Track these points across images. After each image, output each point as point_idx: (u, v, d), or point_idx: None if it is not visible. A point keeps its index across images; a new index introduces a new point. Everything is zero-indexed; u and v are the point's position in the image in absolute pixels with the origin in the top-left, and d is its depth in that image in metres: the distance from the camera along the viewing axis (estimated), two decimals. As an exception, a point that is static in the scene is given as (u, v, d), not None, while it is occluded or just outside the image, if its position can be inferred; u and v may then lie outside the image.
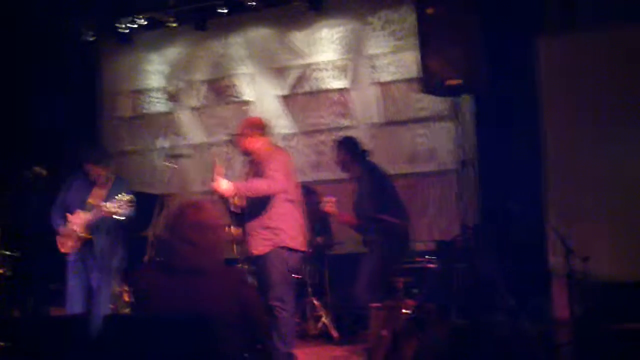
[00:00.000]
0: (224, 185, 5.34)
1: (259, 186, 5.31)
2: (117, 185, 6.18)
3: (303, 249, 5.58)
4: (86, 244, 6.09)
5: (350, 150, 6.60)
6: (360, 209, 6.41)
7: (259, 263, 5.48)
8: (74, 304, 6.09)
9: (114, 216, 5.92)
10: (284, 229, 5.40)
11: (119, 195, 5.90)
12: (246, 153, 5.69)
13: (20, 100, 8.32)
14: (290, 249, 5.42)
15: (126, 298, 6.59)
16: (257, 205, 5.39)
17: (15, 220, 6.47)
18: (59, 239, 6.17)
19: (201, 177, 8.87)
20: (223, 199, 5.48)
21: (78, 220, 6.06)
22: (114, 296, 6.43)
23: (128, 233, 6.34)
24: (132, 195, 5.94)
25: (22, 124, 8.12)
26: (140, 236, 6.64)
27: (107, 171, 6.23)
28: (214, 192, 5.38)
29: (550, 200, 6.52)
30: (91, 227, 6.06)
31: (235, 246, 5.91)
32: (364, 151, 6.67)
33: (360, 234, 6.51)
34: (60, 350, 3.61)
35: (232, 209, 5.53)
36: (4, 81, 8.15)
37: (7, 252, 6.32)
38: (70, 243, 6.11)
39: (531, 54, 6.88)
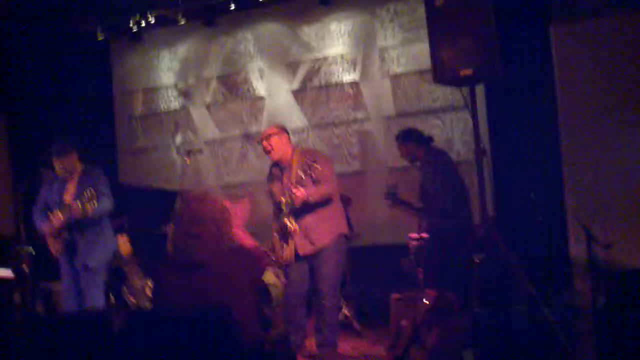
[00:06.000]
0: (302, 192, 5.60)
1: (324, 192, 5.71)
2: (86, 177, 5.99)
3: (350, 233, 6.10)
4: (69, 245, 5.94)
5: (415, 139, 6.69)
6: (427, 195, 6.48)
7: (320, 255, 5.72)
8: (67, 307, 6.02)
9: (83, 213, 5.69)
10: (339, 217, 5.88)
11: (85, 191, 5.66)
12: (279, 157, 5.88)
13: (33, 99, 8.33)
14: (346, 237, 5.92)
15: (148, 292, 6.57)
16: (319, 201, 5.71)
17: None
18: (48, 241, 6.00)
19: (215, 172, 8.90)
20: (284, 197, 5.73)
21: (56, 221, 5.85)
22: (137, 290, 6.42)
23: (111, 230, 6.20)
24: (92, 190, 5.65)
25: (38, 122, 8.12)
26: (160, 231, 6.63)
27: (70, 163, 5.99)
28: (295, 197, 5.59)
29: (568, 188, 6.51)
30: (68, 227, 5.88)
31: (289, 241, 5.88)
32: (429, 137, 6.75)
33: (424, 218, 6.53)
34: (80, 345, 3.63)
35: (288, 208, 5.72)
36: (16, 81, 8.17)
37: (27, 248, 6.27)
38: (56, 245, 5.97)
39: (545, 42, 6.86)
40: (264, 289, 6.31)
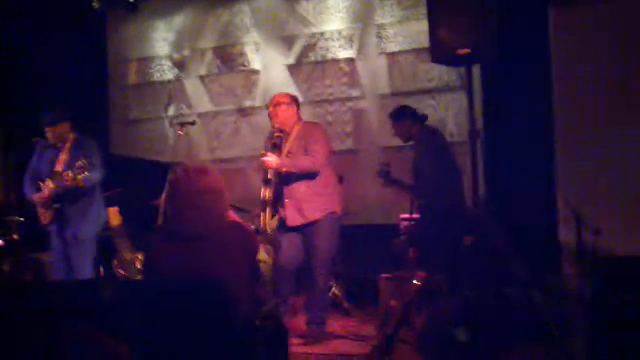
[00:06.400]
0: (273, 160, 5.69)
1: (303, 165, 5.71)
2: (78, 147, 5.96)
3: (342, 213, 5.99)
4: (59, 215, 5.91)
5: (409, 116, 6.62)
6: (420, 174, 6.43)
7: (310, 229, 5.74)
8: (56, 277, 6.01)
9: (75, 183, 5.64)
10: (333, 195, 5.87)
11: (77, 161, 5.65)
12: (281, 125, 5.87)
13: (27, 68, 8.26)
14: (338, 214, 5.86)
15: (138, 265, 6.57)
16: (308, 175, 5.74)
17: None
18: (38, 210, 5.99)
19: (208, 144, 8.87)
20: (264, 169, 5.83)
21: (47, 190, 5.84)
22: (127, 263, 6.41)
23: (101, 201, 6.18)
24: (85, 160, 5.64)
25: (31, 91, 8.06)
26: (152, 204, 6.62)
27: (63, 132, 5.98)
28: (261, 164, 5.72)
29: (560, 172, 6.52)
30: (58, 197, 5.85)
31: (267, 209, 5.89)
32: (423, 115, 6.69)
33: (416, 198, 6.50)
34: (70, 314, 3.63)
35: (268, 176, 5.85)
36: (11, 50, 8.10)
37: (18, 218, 6.24)
38: (46, 215, 5.95)
39: (543, 23, 6.83)
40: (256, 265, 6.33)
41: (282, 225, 5.83)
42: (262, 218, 5.82)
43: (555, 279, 6.07)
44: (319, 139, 5.81)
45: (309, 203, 5.72)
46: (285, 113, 5.85)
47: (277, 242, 5.88)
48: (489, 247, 5.82)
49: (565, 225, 6.01)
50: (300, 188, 5.74)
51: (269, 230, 5.81)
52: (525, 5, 6.79)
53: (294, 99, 5.98)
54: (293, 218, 5.75)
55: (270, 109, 5.88)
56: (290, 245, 5.79)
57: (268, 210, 5.82)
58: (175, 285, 3.33)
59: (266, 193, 5.80)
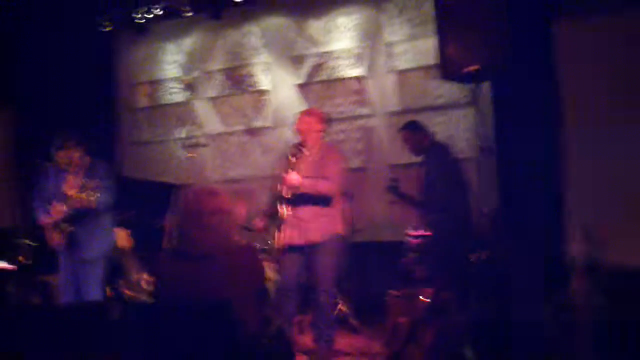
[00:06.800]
0: (296, 178, 5.62)
1: (322, 188, 5.67)
2: (92, 170, 5.95)
3: (347, 233, 6.01)
4: (70, 237, 5.90)
5: (424, 131, 6.67)
6: (430, 190, 6.43)
7: (313, 250, 5.69)
8: (64, 300, 5.98)
9: (87, 205, 5.68)
10: (337, 217, 5.81)
11: (87, 182, 5.67)
12: (307, 146, 5.82)
13: (38, 91, 8.34)
14: (342, 236, 5.82)
15: (144, 285, 6.57)
16: (315, 196, 5.68)
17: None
18: (46, 233, 5.99)
19: (219, 166, 8.89)
20: (281, 186, 5.74)
21: (57, 213, 5.84)
22: (133, 283, 6.42)
23: (110, 224, 6.18)
24: (97, 180, 5.69)
25: (41, 115, 8.13)
26: (161, 225, 6.63)
27: (75, 156, 5.97)
28: (283, 180, 5.65)
29: (569, 186, 6.46)
30: (70, 219, 5.85)
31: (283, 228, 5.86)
32: (432, 133, 6.75)
33: (425, 214, 6.50)
34: (78, 337, 3.62)
35: (286, 194, 5.74)
36: (23, 72, 8.18)
37: (27, 241, 6.27)
38: (56, 237, 5.95)
39: (551, 39, 6.80)
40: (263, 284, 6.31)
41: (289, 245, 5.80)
42: (277, 237, 5.74)
43: (565, 294, 6.00)
44: (338, 163, 5.80)
45: (312, 224, 5.68)
46: (311, 128, 5.83)
47: (280, 261, 5.85)
48: (498, 263, 5.79)
49: (575, 240, 5.95)
50: (304, 208, 5.70)
51: (281, 249, 5.77)
52: (533, 20, 6.76)
53: (325, 121, 5.96)
54: (292, 237, 5.71)
55: (300, 119, 5.88)
56: (293, 264, 5.75)
57: (283, 228, 5.76)
58: (184, 305, 3.33)
59: (284, 211, 5.70)
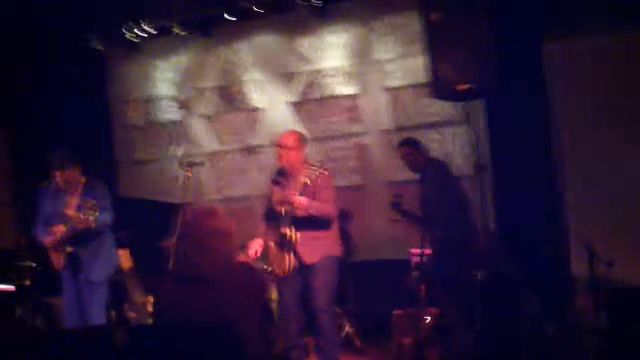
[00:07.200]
0: (304, 200, 5.56)
1: (326, 211, 5.69)
2: (88, 190, 5.97)
3: (343, 255, 5.97)
4: (72, 258, 5.90)
5: (423, 148, 6.74)
6: (431, 208, 6.45)
7: (309, 272, 5.67)
8: (67, 322, 5.96)
9: (86, 225, 5.66)
10: (332, 238, 5.81)
11: (86, 202, 5.67)
12: (291, 168, 5.80)
13: (30, 111, 8.29)
14: (338, 257, 5.81)
15: (149, 309, 6.54)
16: (310, 218, 5.63)
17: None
18: (51, 255, 5.97)
19: (216, 185, 8.88)
20: (284, 206, 5.68)
21: (58, 235, 5.83)
22: (138, 306, 6.38)
23: (112, 243, 6.17)
24: (94, 200, 5.68)
25: (37, 135, 8.09)
26: (160, 246, 6.60)
27: (73, 176, 5.99)
28: (289, 200, 5.58)
29: (571, 204, 6.54)
30: (70, 240, 5.86)
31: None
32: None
33: (428, 232, 6.49)
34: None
35: (286, 215, 5.68)
36: (18, 92, 8.13)
37: (30, 264, 6.23)
38: (59, 258, 5.93)
39: (542, 56, 6.89)
40: (267, 305, 6.29)
41: None
42: (287, 261, 5.67)
43: (568, 312, 6.08)
44: (330, 186, 5.81)
45: (304, 247, 5.64)
46: (294, 158, 5.80)
47: (279, 284, 5.84)
48: (502, 281, 5.85)
49: (578, 257, 6.02)
50: (303, 231, 5.65)
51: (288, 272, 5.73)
52: (523, 38, 6.85)
53: (303, 142, 5.92)
54: (294, 259, 5.68)
55: (281, 151, 5.82)
56: (292, 286, 5.72)
57: (292, 252, 5.69)
58: (187, 329, 3.34)
59: (292, 234, 5.63)
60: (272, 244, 5.74)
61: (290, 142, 5.83)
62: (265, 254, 5.87)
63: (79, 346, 4.03)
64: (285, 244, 5.61)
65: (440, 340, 5.75)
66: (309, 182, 5.56)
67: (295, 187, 5.62)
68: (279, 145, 5.85)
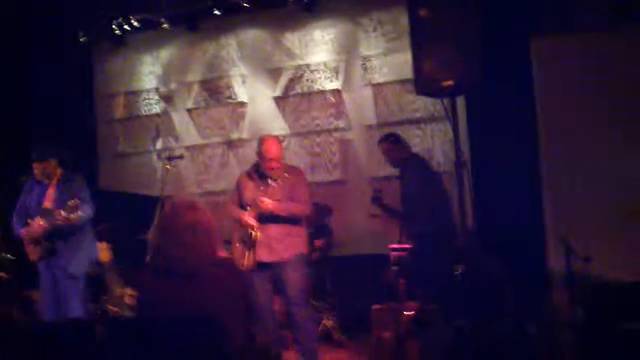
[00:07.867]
0: (270, 202, 5.69)
1: (295, 211, 5.79)
2: (65, 183, 5.98)
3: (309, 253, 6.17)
4: (51, 252, 5.90)
5: (404, 143, 6.79)
6: (411, 203, 6.49)
7: (281, 267, 5.74)
8: (45, 315, 5.95)
9: (69, 223, 5.71)
10: (303, 237, 5.93)
11: (69, 200, 5.68)
12: (274, 172, 5.81)
13: (14, 102, 8.26)
14: (306, 255, 5.95)
15: (128, 301, 6.54)
16: (281, 216, 5.75)
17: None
18: (27, 247, 5.97)
19: (196, 177, 8.87)
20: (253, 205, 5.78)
21: (37, 227, 5.83)
22: (117, 299, 6.37)
23: (92, 236, 6.21)
24: (76, 200, 5.69)
25: (18, 127, 8.06)
26: (140, 239, 6.59)
27: (50, 169, 5.99)
28: (259, 204, 5.70)
29: (548, 200, 6.57)
30: (50, 234, 5.86)
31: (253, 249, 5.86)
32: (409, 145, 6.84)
33: (406, 226, 6.55)
34: (63, 355, 3.61)
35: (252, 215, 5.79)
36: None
37: (8, 256, 6.21)
38: (36, 251, 5.93)
39: (526, 54, 6.91)
40: (249, 299, 6.30)
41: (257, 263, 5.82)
42: (247, 258, 5.74)
43: (546, 307, 6.10)
44: (304, 185, 5.92)
45: (279, 242, 5.75)
46: (280, 164, 5.81)
47: (250, 280, 5.86)
48: (480, 276, 5.85)
49: (555, 253, 6.05)
50: (272, 227, 5.76)
51: (249, 269, 5.77)
52: (508, 35, 6.86)
53: (282, 148, 5.99)
54: (261, 254, 5.75)
55: (272, 163, 5.78)
56: (263, 282, 5.79)
57: (252, 250, 5.78)
58: (169, 322, 3.33)
59: (257, 233, 5.74)
60: (236, 241, 5.85)
61: (279, 151, 5.86)
62: (229, 248, 5.95)
63: (57, 339, 4.00)
64: (246, 242, 5.75)
65: (419, 334, 5.74)
66: (280, 183, 5.69)
67: (267, 186, 5.75)
68: (271, 159, 5.79)
